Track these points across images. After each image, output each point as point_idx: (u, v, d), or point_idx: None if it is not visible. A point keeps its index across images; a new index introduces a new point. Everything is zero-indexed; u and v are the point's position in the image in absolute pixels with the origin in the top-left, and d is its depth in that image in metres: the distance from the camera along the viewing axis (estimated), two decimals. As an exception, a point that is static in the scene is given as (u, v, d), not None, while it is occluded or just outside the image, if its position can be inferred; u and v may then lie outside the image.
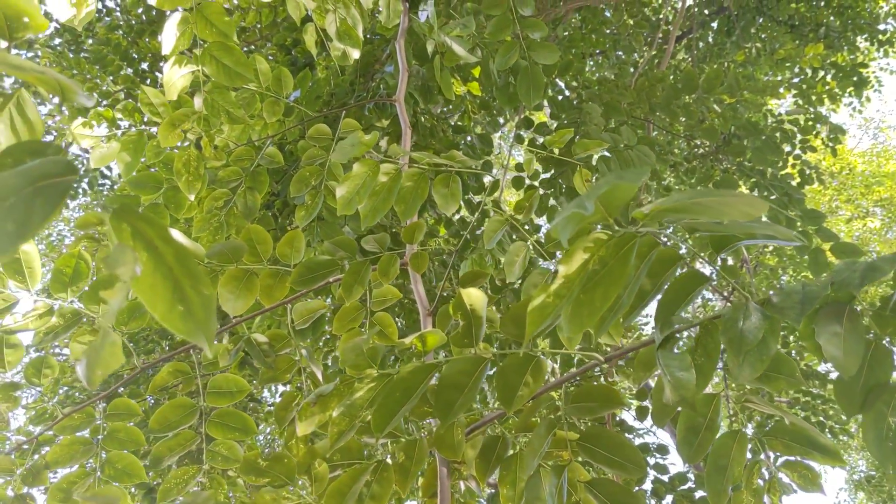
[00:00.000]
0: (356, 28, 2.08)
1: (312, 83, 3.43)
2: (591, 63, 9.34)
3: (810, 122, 3.98)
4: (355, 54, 2.08)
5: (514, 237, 3.69)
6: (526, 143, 4.86)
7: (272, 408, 7.60)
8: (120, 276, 0.68)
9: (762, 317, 1.13)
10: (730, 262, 4.17)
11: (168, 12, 1.95)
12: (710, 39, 9.13)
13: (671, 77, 4.15)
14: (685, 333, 1.41)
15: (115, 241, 0.79)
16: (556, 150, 2.14)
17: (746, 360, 1.18)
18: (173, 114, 2.04)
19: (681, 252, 1.15)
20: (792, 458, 1.51)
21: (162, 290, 0.80)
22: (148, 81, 5.91)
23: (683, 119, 3.68)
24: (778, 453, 1.52)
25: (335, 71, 3.68)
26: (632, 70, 8.14)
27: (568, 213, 0.75)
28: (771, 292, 1.18)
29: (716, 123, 3.62)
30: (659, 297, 1.20)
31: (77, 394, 6.15)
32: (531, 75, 2.87)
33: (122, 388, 2.41)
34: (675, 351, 1.25)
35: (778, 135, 3.84)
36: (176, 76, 1.92)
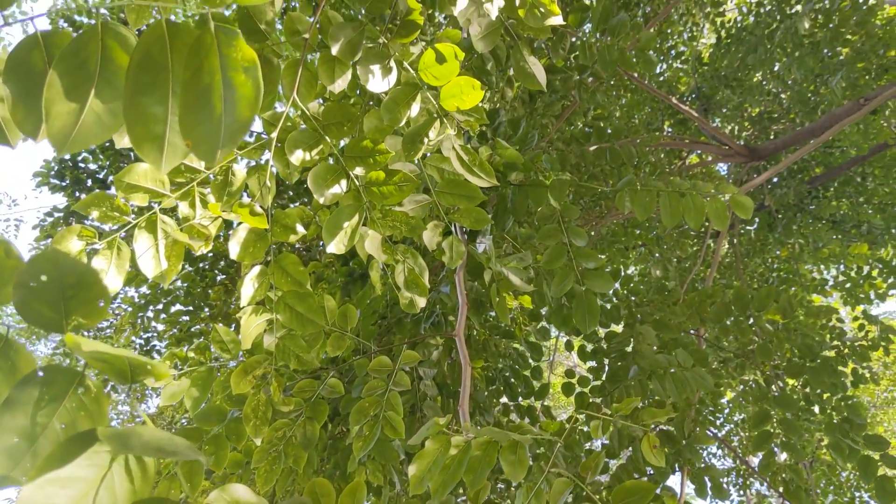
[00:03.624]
0: (423, 276, 2.18)
1: (371, 300, 3.55)
2: (634, 256, 9.51)
3: (867, 345, 3.97)
4: (422, 302, 2.16)
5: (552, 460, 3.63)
6: (576, 348, 4.87)
7: None
8: None
9: None
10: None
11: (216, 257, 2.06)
12: (752, 234, 9.28)
13: (721, 288, 4.19)
14: None
15: None
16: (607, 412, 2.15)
17: None
18: (246, 361, 2.13)
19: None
20: None
21: None
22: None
23: (735, 337, 3.69)
24: None
25: (391, 286, 3.80)
26: (673, 264, 8.23)
27: None
28: None
29: (770, 345, 3.63)
30: None
31: None
32: (586, 302, 2.93)
33: None
34: None
35: (835, 352, 3.83)
36: (252, 326, 2.01)
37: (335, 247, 2.00)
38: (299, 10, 2.54)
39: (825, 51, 7.71)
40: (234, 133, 0.75)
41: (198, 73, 0.79)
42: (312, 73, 2.31)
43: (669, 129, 9.45)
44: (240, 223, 2.00)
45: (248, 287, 1.98)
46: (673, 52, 9.20)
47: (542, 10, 2.08)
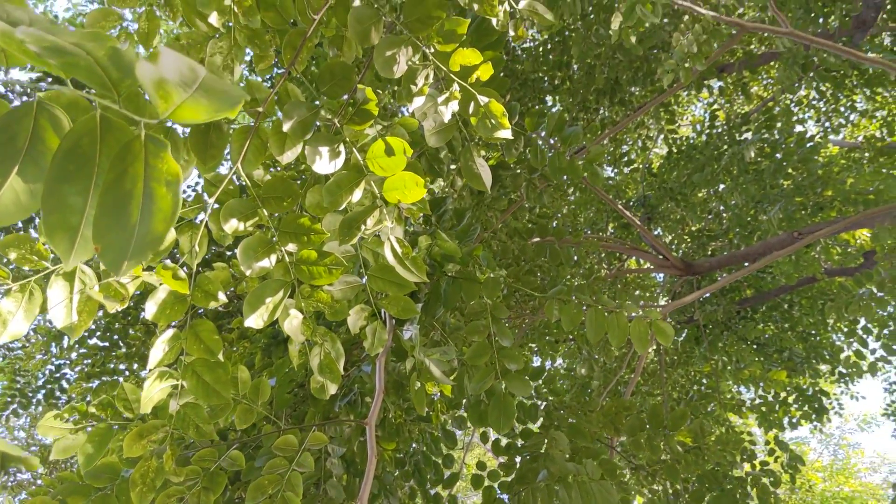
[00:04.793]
0: (338, 362, 2.16)
1: (289, 369, 3.50)
2: (563, 349, 9.60)
3: (770, 483, 4.06)
4: (333, 389, 2.14)
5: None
6: (490, 442, 4.85)
7: None
8: None
9: None
10: None
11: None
12: (679, 346, 9.47)
13: (640, 400, 4.24)
14: None
15: None
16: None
17: None
18: (142, 426, 2.06)
19: None
20: None
21: None
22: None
23: (646, 452, 3.73)
24: None
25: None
26: (599, 363, 8.33)
27: None
28: None
29: (677, 465, 3.68)
30: None
31: None
32: (503, 404, 2.94)
33: None
34: None
35: (740, 489, 3.91)
36: (155, 390, 1.96)
37: (254, 321, 1.98)
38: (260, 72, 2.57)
39: (767, 180, 8.04)
40: (145, 246, 0.75)
41: (121, 177, 0.79)
42: (263, 140, 2.32)
43: (613, 231, 9.69)
44: (161, 283, 1.97)
45: (158, 350, 1.94)
46: (625, 158, 9.50)
47: (493, 121, 2.14)
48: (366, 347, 2.39)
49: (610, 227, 9.64)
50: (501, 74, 7.28)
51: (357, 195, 2.20)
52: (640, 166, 9.92)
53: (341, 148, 2.18)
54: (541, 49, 7.37)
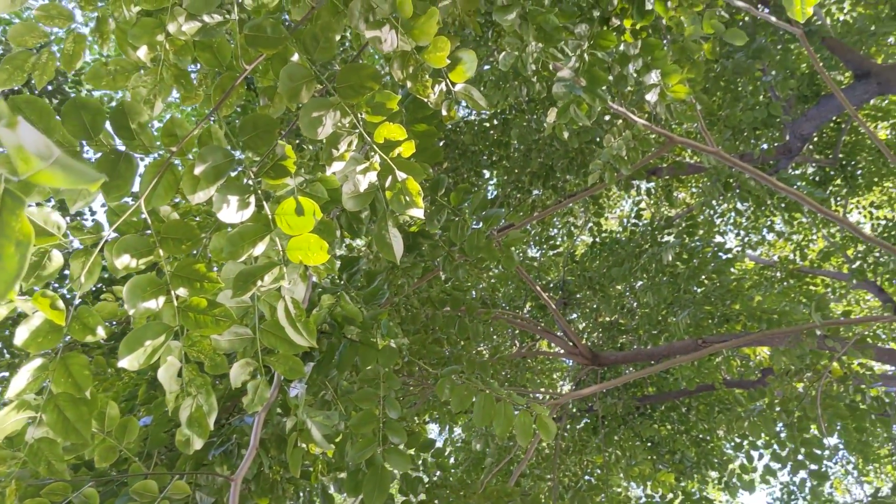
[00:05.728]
0: (209, 417, 2.10)
1: (167, 409, 3.38)
2: (463, 421, 9.57)
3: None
4: (198, 444, 2.08)
5: None
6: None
7: None
8: None
9: None
10: None
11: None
12: (577, 433, 9.54)
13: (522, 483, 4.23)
14: None
15: None
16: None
17: None
18: (-10, 457, 1.96)
19: None
20: None
21: None
22: None
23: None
24: None
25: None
26: (493, 440, 8.31)
27: None
28: None
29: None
30: None
31: None
32: (380, 477, 2.89)
33: None
34: None
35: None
36: (9, 421, 1.86)
37: (129, 363, 1.91)
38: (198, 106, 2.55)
39: (682, 284, 8.28)
40: (-29, 303, 0.72)
41: (-32, 226, 0.76)
42: (177, 176, 2.28)
43: (529, 309, 9.80)
44: (36, 311, 1.89)
45: (21, 379, 1.85)
46: (551, 241, 9.67)
47: (407, 198, 2.16)
48: (244, 403, 2.33)
49: (527, 305, 9.75)
50: (442, 143, 7.40)
51: (260, 248, 2.17)
52: (564, 251, 10.11)
53: (251, 199, 2.15)
54: (485, 124, 7.52)
